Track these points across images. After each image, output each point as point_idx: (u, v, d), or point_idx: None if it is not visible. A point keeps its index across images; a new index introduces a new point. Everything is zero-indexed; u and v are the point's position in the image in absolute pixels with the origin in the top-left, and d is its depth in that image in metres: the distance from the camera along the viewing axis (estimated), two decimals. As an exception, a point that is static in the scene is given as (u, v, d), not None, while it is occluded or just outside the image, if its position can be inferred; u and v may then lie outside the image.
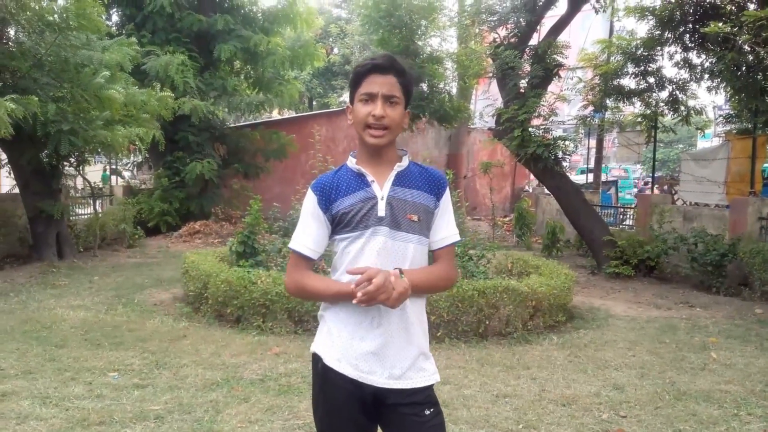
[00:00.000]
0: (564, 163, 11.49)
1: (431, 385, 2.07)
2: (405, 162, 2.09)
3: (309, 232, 2.09)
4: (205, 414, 4.14)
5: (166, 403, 4.31)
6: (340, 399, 2.03)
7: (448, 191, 2.15)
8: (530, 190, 19.94)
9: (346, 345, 2.02)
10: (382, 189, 2.04)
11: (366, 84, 2.00)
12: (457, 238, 2.16)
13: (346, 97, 32.03)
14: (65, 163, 11.02)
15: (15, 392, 4.45)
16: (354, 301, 1.89)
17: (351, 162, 2.11)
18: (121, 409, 4.17)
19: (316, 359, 2.08)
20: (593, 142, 19.08)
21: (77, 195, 13.30)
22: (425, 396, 2.05)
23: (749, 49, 8.41)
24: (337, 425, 2.05)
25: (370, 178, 2.05)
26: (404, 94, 2.05)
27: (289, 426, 3.98)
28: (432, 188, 2.09)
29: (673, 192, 15.02)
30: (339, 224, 2.05)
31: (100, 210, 13.32)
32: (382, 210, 2.02)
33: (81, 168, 11.60)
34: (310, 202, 2.10)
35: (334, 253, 2.12)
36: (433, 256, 2.14)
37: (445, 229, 2.12)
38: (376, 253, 2.00)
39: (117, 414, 4.09)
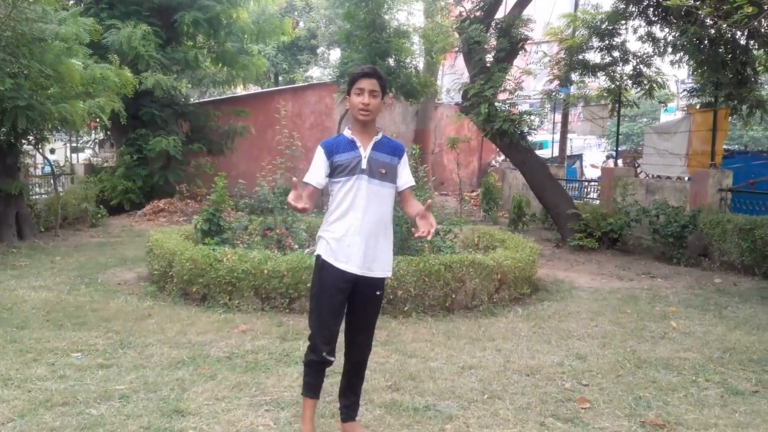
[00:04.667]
0: (530, 138, 11.56)
1: (386, 277, 3.38)
2: (379, 136, 3.33)
3: (316, 170, 3.24)
4: (171, 392, 4.11)
5: (131, 383, 4.27)
6: (331, 279, 3.22)
7: (405, 154, 3.40)
8: (496, 165, 20.07)
9: (337, 249, 3.21)
10: (365, 151, 3.25)
11: (358, 83, 3.21)
12: (413, 183, 3.43)
13: (312, 72, 31.76)
14: (23, 141, 10.73)
15: (-25, 375, 4.36)
16: (419, 234, 3.17)
17: (347, 133, 3.31)
18: (85, 390, 4.12)
19: (317, 257, 3.29)
20: (558, 117, 19.23)
21: (37, 174, 12.99)
22: (380, 283, 3.35)
23: (711, 22, 8.51)
24: (327, 294, 3.24)
25: (358, 144, 3.26)
26: (381, 89, 3.27)
27: (257, 402, 3.98)
28: (395, 152, 3.35)
29: (636, 165, 15.24)
30: (336, 170, 3.22)
31: (61, 189, 13.02)
32: (364, 164, 3.23)
33: (40, 146, 11.30)
34: (319, 152, 3.26)
35: (330, 192, 3.28)
36: (402, 194, 3.39)
37: (407, 176, 3.38)
38: (359, 191, 3.19)
39: (81, 394, 4.04)
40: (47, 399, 3.95)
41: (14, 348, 4.95)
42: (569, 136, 22.17)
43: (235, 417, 3.75)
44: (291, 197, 3.02)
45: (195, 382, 4.30)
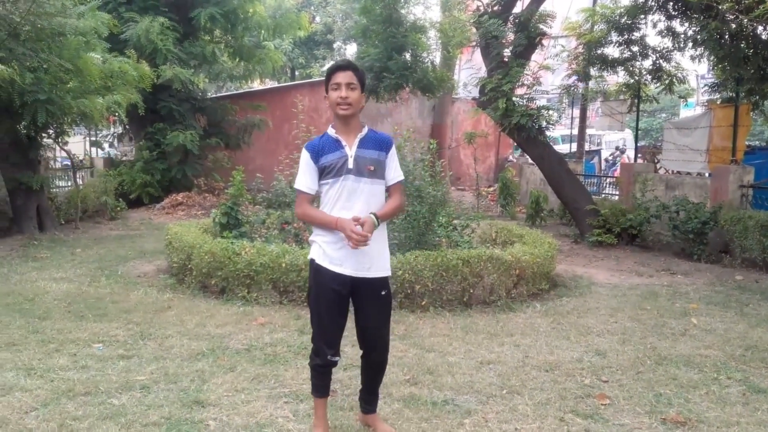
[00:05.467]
0: (548, 133, 11.48)
1: (387, 276, 3.27)
2: (365, 131, 3.22)
3: (306, 177, 3.18)
4: (191, 383, 4.15)
5: (151, 374, 4.31)
6: (327, 283, 3.15)
7: (393, 147, 3.27)
8: (513, 160, 19.97)
9: (331, 253, 3.14)
10: (351, 150, 3.15)
11: (334, 78, 3.13)
12: (402, 177, 3.30)
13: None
14: (44, 135, 10.84)
15: (-2, 364, 4.43)
16: (350, 245, 3.03)
17: (331, 131, 3.22)
18: (107, 380, 4.17)
19: (312, 261, 3.22)
20: (577, 112, 19.10)
21: (57, 167, 13.13)
22: (382, 283, 3.25)
23: (732, 17, 8.39)
24: (325, 299, 3.18)
25: (343, 143, 3.17)
26: (359, 82, 3.14)
27: (276, 394, 4.00)
28: (381, 147, 3.22)
29: (656, 161, 15.09)
30: (323, 172, 3.15)
31: (81, 182, 13.15)
32: (351, 164, 3.13)
33: (60, 139, 11.41)
34: (305, 157, 3.17)
35: (319, 193, 3.21)
36: (389, 190, 3.26)
37: (394, 172, 3.26)
38: (347, 191, 3.12)
39: (102, 384, 4.08)
40: (69, 389, 4.00)
41: (36, 338, 5.01)
42: (590, 131, 21.99)
43: (254, 408, 3.77)
44: (351, 228, 3.00)
45: (214, 373, 4.33)
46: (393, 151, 3.27)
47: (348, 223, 3.01)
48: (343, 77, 3.11)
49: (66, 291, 6.65)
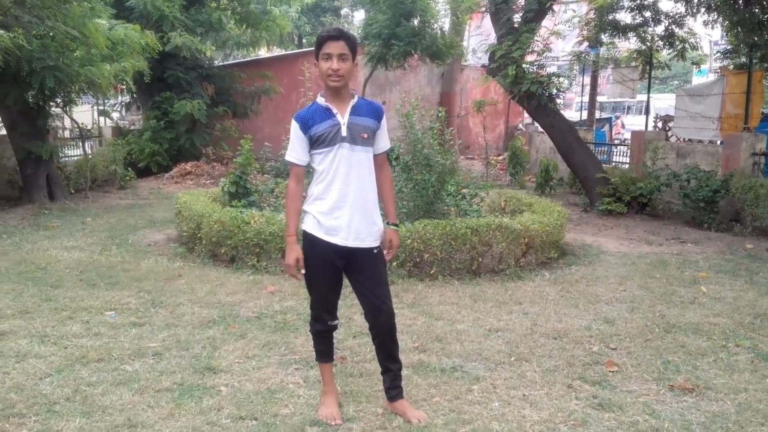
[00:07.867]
0: (558, 100, 11.37)
1: (379, 246, 3.24)
2: (356, 99, 3.16)
3: (296, 148, 3.14)
4: (203, 350, 4.20)
5: (163, 341, 4.36)
6: (323, 254, 3.14)
7: (384, 116, 3.24)
8: (523, 128, 19.82)
9: (325, 223, 3.10)
10: (343, 118, 3.08)
11: (325, 47, 3.03)
12: (388, 146, 3.33)
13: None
14: (52, 103, 10.83)
15: (13, 331, 4.48)
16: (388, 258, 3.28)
17: (321, 100, 3.13)
18: (119, 347, 4.22)
19: (306, 233, 3.17)
20: (587, 79, 18.87)
21: (66, 136, 13.14)
22: (376, 246, 3.21)
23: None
24: (320, 269, 3.17)
25: (334, 110, 3.09)
26: (351, 52, 3.05)
27: (286, 361, 4.04)
28: (374, 115, 3.18)
29: (667, 128, 14.95)
30: (316, 142, 3.09)
31: (90, 151, 13.17)
32: (344, 132, 3.07)
33: (68, 108, 11.40)
34: (294, 128, 3.12)
35: (313, 163, 3.16)
36: (376, 158, 3.21)
37: (383, 141, 3.26)
38: (343, 161, 3.07)
39: (115, 351, 4.14)
40: (83, 355, 4.05)
41: (49, 306, 5.07)
42: (600, 98, 21.73)
43: (265, 375, 3.82)
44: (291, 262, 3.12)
45: (226, 340, 4.38)
46: (384, 121, 3.24)
47: (290, 259, 3.13)
48: (334, 47, 3.00)
49: (77, 259, 6.70)
